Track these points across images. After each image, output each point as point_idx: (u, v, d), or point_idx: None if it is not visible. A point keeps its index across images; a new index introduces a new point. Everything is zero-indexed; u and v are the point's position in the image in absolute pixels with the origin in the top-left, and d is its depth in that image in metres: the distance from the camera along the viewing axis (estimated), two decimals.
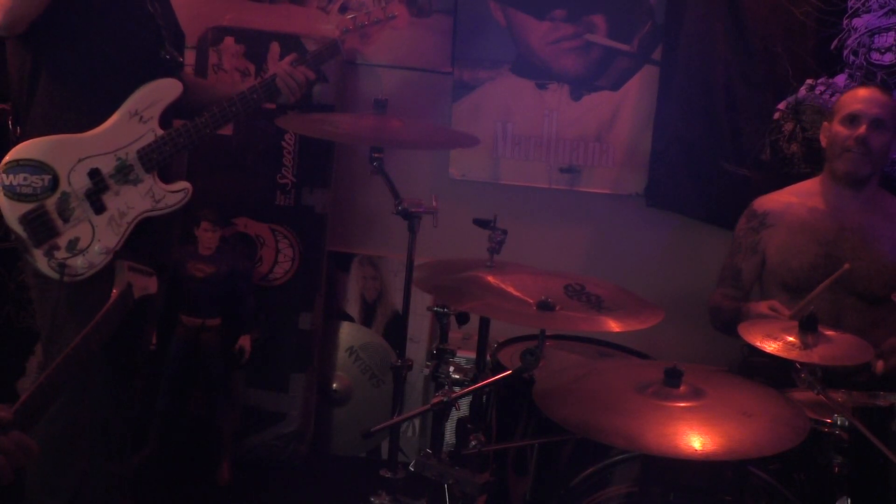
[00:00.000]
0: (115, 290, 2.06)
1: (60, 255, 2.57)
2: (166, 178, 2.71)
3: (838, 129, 2.85)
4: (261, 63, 3.55)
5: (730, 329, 2.93)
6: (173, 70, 2.70)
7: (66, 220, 2.58)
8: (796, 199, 2.97)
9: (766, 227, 2.97)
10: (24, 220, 2.56)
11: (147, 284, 2.21)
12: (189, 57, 3.31)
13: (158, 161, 2.64)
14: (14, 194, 2.56)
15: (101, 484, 2.81)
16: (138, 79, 2.63)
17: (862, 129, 2.79)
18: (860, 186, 2.86)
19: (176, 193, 2.69)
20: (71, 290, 2.59)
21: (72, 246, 2.58)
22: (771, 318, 2.67)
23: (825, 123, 2.96)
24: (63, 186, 2.58)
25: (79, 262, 2.58)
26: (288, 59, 2.86)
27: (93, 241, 2.60)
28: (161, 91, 2.65)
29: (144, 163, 2.63)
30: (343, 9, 3.62)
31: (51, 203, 2.57)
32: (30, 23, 2.48)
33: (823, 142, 2.95)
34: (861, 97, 2.85)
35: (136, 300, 2.16)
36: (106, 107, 2.61)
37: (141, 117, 2.62)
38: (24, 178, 2.56)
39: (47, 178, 2.57)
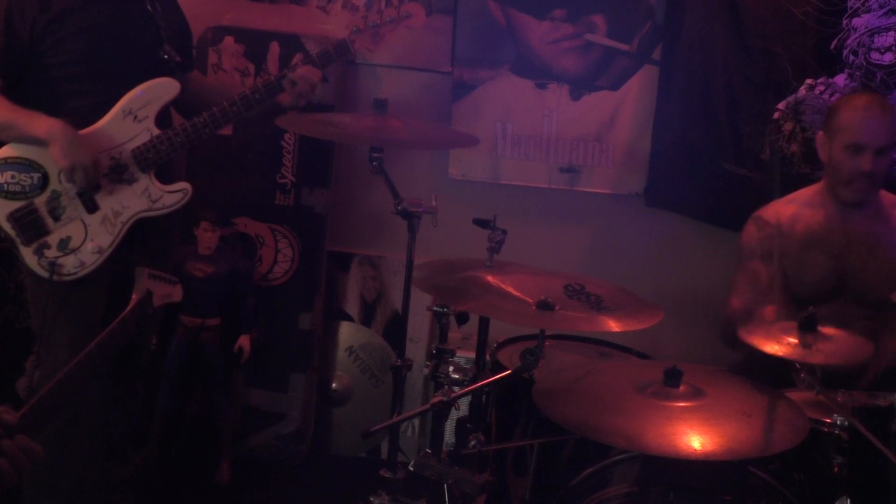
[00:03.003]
0: (133, 296, 2.04)
1: (51, 253, 2.56)
2: (167, 179, 2.70)
3: (840, 156, 2.75)
4: (261, 63, 3.55)
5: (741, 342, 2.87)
6: (172, 70, 2.70)
7: (56, 219, 2.57)
8: (800, 209, 2.90)
9: (783, 237, 2.87)
10: (13, 217, 2.55)
11: (170, 292, 2.20)
12: None
13: (154, 161, 2.63)
14: (2, 192, 2.55)
15: (100, 485, 2.82)
16: (134, 78, 2.62)
17: (867, 165, 2.71)
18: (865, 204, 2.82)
19: (174, 194, 2.68)
20: (63, 290, 2.58)
21: (63, 245, 2.57)
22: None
23: (821, 134, 2.85)
24: (53, 184, 2.57)
25: (70, 262, 2.57)
26: (295, 60, 2.80)
27: (85, 240, 2.59)
28: (157, 91, 2.64)
29: (139, 162, 2.62)
30: (351, 8, 3.60)
31: (41, 201, 2.57)
32: None
33: (822, 156, 2.85)
34: (864, 125, 2.72)
35: (157, 308, 2.15)
36: (100, 106, 2.60)
37: (136, 116, 2.61)
38: (13, 176, 2.55)
39: (36, 175, 2.56)
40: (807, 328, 2.24)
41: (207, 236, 3.36)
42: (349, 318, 3.77)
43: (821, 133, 2.86)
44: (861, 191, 2.77)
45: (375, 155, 2.66)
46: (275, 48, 3.55)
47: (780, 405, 2.05)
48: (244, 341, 3.46)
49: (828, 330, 2.27)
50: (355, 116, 3.01)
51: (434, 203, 2.61)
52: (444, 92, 3.67)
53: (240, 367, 3.53)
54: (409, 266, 2.65)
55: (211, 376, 3.43)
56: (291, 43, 3.55)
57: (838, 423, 2.10)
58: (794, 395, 2.17)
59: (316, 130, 2.92)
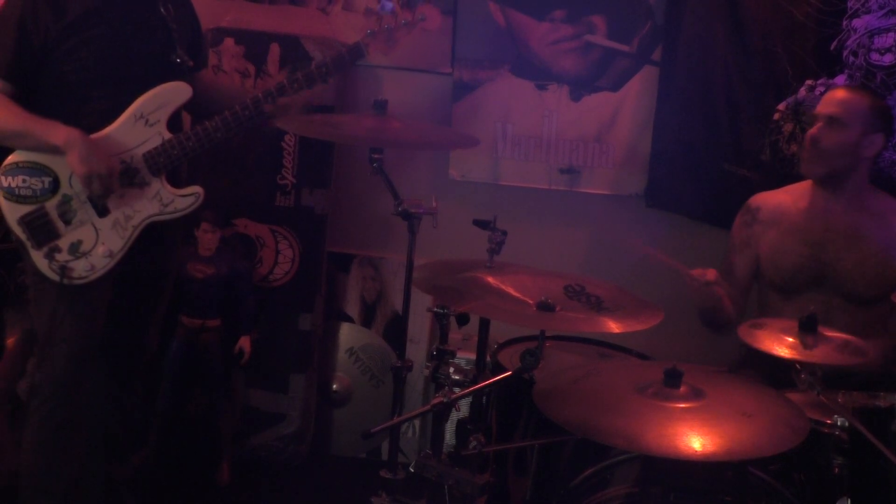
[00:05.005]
0: None
1: (62, 257, 2.56)
2: (173, 181, 2.70)
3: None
4: (261, 64, 3.55)
5: (712, 320, 2.95)
6: (184, 73, 2.69)
7: (67, 223, 2.57)
8: (789, 197, 2.97)
9: (758, 223, 2.98)
10: (24, 221, 2.55)
11: None
12: None
13: (166, 165, 2.63)
14: (13, 196, 2.56)
15: (97, 485, 2.82)
16: (148, 83, 2.62)
17: (813, 130, 2.80)
18: (836, 186, 2.84)
19: (186, 198, 2.68)
20: (70, 292, 2.58)
21: (74, 248, 2.57)
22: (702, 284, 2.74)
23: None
24: (64, 188, 2.57)
25: (80, 265, 2.57)
26: (313, 64, 2.77)
27: (96, 244, 2.59)
28: (169, 95, 2.64)
29: (150, 166, 2.62)
30: (353, 10, 3.60)
31: (51, 205, 2.57)
32: None
33: None
34: (825, 98, 2.87)
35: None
36: (114, 111, 2.60)
37: (147, 120, 2.61)
38: (24, 180, 2.56)
39: (47, 179, 2.56)
40: (807, 329, 2.25)
41: (207, 237, 3.36)
42: (349, 319, 3.77)
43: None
44: (807, 160, 2.84)
45: (375, 156, 2.66)
46: (275, 49, 3.55)
47: (780, 405, 2.05)
48: (244, 342, 3.46)
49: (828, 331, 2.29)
50: (355, 117, 3.01)
51: (434, 204, 2.61)
52: (444, 93, 3.67)
53: (240, 368, 3.54)
54: (410, 267, 2.65)
55: (211, 377, 3.43)
56: (291, 44, 3.55)
57: (838, 423, 2.10)
58: (794, 396, 2.18)
59: (316, 131, 2.92)
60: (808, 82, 3.35)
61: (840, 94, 2.85)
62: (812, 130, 2.81)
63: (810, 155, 2.82)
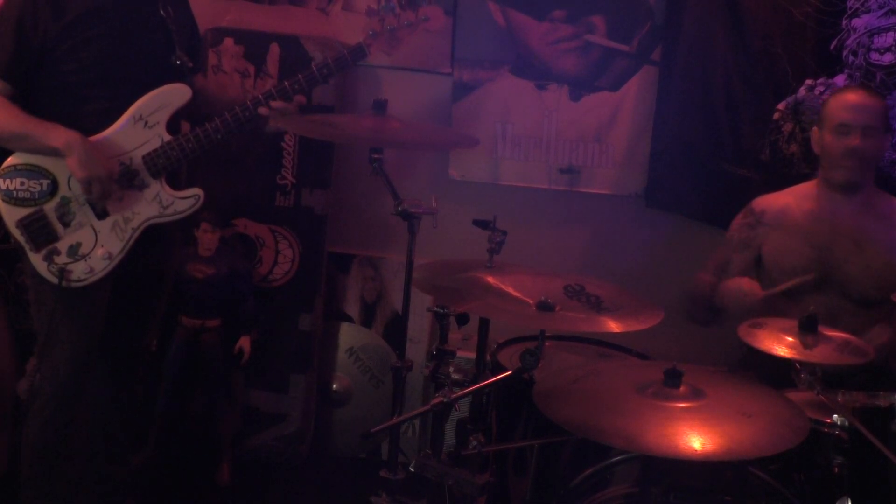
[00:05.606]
0: None
1: (61, 259, 2.55)
2: (173, 182, 2.70)
3: (829, 139, 2.82)
4: (261, 64, 3.55)
5: (702, 314, 2.96)
6: (183, 75, 2.69)
7: (66, 225, 2.57)
8: (793, 200, 2.97)
9: (762, 226, 2.97)
10: (22, 224, 2.55)
11: None
12: None
13: (165, 166, 2.63)
14: (11, 199, 2.55)
15: (98, 487, 2.82)
16: (147, 84, 2.62)
17: (855, 141, 2.77)
18: (855, 191, 2.85)
19: (186, 199, 2.67)
20: (69, 293, 2.58)
21: (73, 251, 2.56)
22: (743, 296, 2.74)
23: (815, 129, 2.92)
24: (63, 191, 2.56)
25: (79, 268, 2.56)
26: (314, 65, 2.76)
27: (95, 246, 2.58)
28: (168, 96, 2.63)
29: (150, 168, 2.62)
30: (351, 10, 3.60)
31: (50, 207, 2.56)
32: None
33: (816, 149, 2.92)
34: (850, 105, 2.81)
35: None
36: (114, 112, 2.60)
37: (146, 122, 2.60)
38: (22, 183, 2.55)
39: (46, 182, 2.55)
40: (807, 328, 2.25)
41: (207, 237, 3.36)
42: (349, 319, 3.77)
43: (815, 128, 2.93)
44: (852, 169, 2.81)
45: (375, 156, 2.66)
46: (275, 49, 3.55)
47: (780, 405, 2.05)
48: (244, 342, 3.46)
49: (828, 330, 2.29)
50: (355, 117, 3.01)
51: (434, 204, 2.61)
52: (444, 93, 3.67)
53: (240, 368, 3.54)
54: (409, 267, 2.65)
55: (211, 377, 3.43)
56: (291, 44, 3.55)
57: (838, 423, 2.10)
58: (794, 395, 2.18)
59: (316, 131, 2.92)
60: (808, 82, 3.35)
61: (866, 100, 2.81)
62: (853, 142, 2.76)
63: (853, 165, 2.78)
